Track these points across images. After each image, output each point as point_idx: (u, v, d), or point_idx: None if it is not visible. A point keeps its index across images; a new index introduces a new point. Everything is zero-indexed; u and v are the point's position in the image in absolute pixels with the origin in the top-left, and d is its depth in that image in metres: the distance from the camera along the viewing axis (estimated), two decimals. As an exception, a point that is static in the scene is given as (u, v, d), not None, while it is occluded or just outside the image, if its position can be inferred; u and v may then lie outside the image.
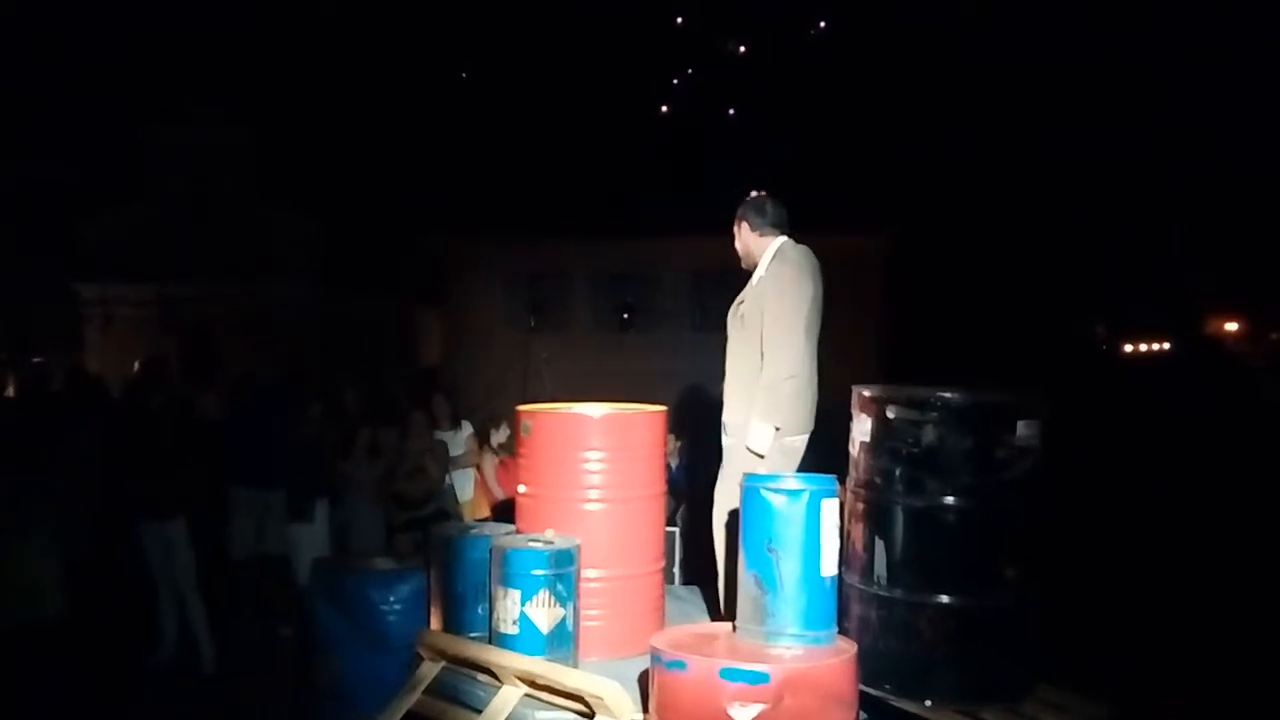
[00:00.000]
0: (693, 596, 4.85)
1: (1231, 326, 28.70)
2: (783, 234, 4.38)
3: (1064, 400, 3.59)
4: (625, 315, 22.38)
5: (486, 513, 7.84)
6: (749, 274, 4.45)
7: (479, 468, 8.23)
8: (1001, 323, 18.42)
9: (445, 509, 7.77)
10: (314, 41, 19.71)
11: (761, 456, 4.15)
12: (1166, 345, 29.09)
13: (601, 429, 4.16)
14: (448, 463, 7.89)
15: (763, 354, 4.19)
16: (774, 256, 4.31)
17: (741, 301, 4.40)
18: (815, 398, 4.31)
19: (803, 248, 4.33)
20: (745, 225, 4.43)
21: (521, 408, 4.34)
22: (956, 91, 19.39)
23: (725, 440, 4.38)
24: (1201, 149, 21.30)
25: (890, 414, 3.50)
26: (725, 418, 4.39)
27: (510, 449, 8.01)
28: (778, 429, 4.13)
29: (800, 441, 4.27)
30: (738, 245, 4.48)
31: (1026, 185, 20.39)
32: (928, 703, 3.40)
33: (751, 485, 3.29)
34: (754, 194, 4.48)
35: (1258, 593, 6.85)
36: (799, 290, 4.19)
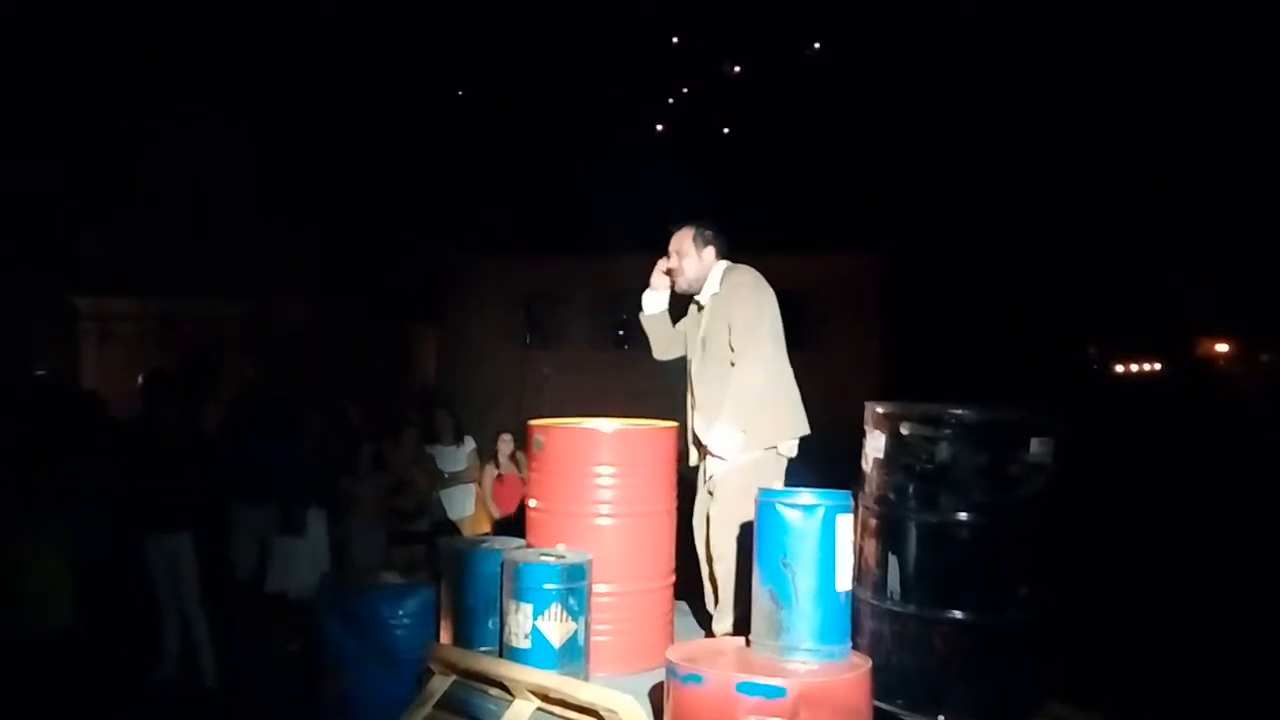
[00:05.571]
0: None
1: (1222, 348, 28.82)
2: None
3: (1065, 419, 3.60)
4: (621, 332, 22.35)
5: (487, 528, 7.85)
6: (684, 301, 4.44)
7: (480, 484, 8.25)
8: (996, 342, 18.47)
9: (442, 522, 7.77)
10: (315, 58, 19.79)
11: (724, 460, 4.10)
12: (1158, 366, 29.22)
13: (613, 444, 4.19)
14: (436, 475, 7.88)
15: (733, 364, 4.17)
16: (724, 275, 4.33)
17: (700, 330, 4.36)
18: (795, 406, 4.26)
19: (747, 266, 4.37)
20: (711, 250, 4.36)
21: (534, 422, 4.35)
22: (952, 110, 19.51)
23: (716, 465, 4.23)
24: (1197, 170, 21.44)
25: (904, 430, 3.52)
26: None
27: (516, 464, 8.03)
28: (744, 433, 4.09)
29: (787, 448, 4.22)
30: (691, 268, 4.37)
31: (1022, 205, 20.49)
32: (940, 718, 3.42)
33: (766, 500, 3.31)
34: (700, 221, 4.40)
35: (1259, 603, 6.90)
36: (761, 298, 4.23)
